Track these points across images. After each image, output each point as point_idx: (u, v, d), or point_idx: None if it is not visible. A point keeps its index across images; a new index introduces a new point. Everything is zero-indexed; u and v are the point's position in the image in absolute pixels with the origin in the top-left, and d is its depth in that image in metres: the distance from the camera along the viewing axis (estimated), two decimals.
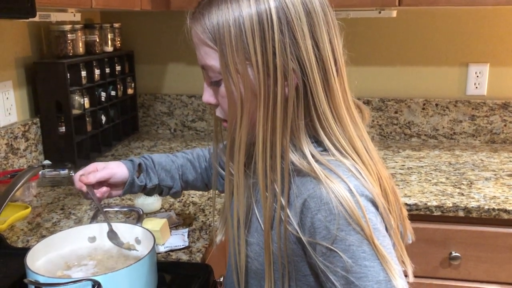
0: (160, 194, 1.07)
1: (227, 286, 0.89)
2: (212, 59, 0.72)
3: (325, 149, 0.70)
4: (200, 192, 1.43)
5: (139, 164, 1.02)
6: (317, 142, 0.71)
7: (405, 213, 0.82)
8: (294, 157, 0.69)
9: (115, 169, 0.99)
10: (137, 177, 1.01)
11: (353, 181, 0.67)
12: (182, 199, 1.38)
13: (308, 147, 0.70)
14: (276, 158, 0.69)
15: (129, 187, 1.00)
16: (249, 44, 0.67)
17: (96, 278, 0.74)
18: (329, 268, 0.66)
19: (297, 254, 0.71)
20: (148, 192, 1.05)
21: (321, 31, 0.68)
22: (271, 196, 0.70)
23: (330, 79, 0.70)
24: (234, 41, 0.67)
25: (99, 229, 0.95)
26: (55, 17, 1.47)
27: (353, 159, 0.70)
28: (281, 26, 0.66)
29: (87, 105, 1.74)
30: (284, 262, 0.71)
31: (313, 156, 0.69)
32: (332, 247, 0.65)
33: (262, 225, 0.73)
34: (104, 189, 0.98)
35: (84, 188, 0.95)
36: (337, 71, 0.71)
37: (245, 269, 0.77)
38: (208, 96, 0.77)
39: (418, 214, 1.34)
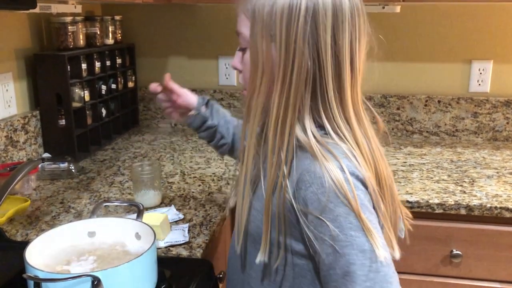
0: (210, 141, 1.16)
1: (230, 255, 0.94)
2: (244, 27, 0.81)
3: (326, 133, 0.77)
4: (201, 187, 1.43)
5: (208, 101, 1.15)
6: (320, 126, 0.78)
7: (403, 210, 0.87)
8: (299, 133, 0.76)
9: (187, 92, 1.14)
10: (205, 111, 1.12)
11: (346, 162, 0.73)
12: (183, 194, 1.37)
13: (310, 127, 0.76)
14: (285, 130, 0.76)
15: (193, 117, 1.13)
16: (276, 24, 0.74)
17: (95, 273, 0.73)
18: (318, 237, 0.72)
19: (290, 221, 0.76)
20: (203, 130, 1.14)
21: (343, 31, 0.75)
22: (276, 162, 0.76)
23: (342, 74, 0.76)
24: (265, 17, 0.75)
25: (99, 223, 0.94)
26: (56, 8, 1.46)
27: (350, 145, 0.76)
28: (306, 15, 0.73)
29: (87, 98, 1.73)
30: (280, 226, 0.77)
31: (314, 136, 0.75)
32: (321, 217, 0.71)
33: (264, 191, 0.78)
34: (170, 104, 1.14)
35: (159, 89, 1.10)
36: (352, 71, 0.77)
37: (244, 234, 0.84)
38: (236, 61, 0.87)
39: (419, 212, 1.34)
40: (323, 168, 0.72)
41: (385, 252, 0.71)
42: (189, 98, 1.14)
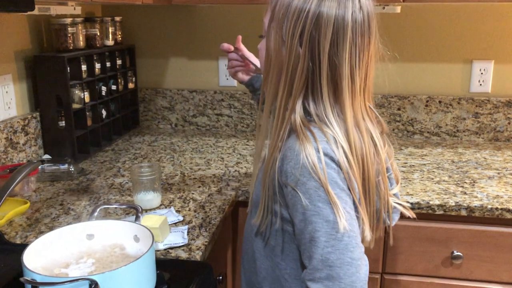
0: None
1: (247, 221, 1.05)
2: (266, 18, 0.92)
3: (312, 120, 0.87)
4: (200, 189, 1.42)
5: None
6: (309, 114, 0.88)
7: (391, 203, 0.97)
8: (293, 117, 0.86)
9: (253, 55, 1.27)
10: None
11: (323, 144, 0.83)
12: (182, 196, 1.37)
13: (300, 113, 0.87)
14: (285, 114, 0.88)
15: (253, 79, 1.29)
16: (286, 25, 0.85)
17: (93, 277, 0.73)
18: (293, 205, 0.84)
19: (278, 191, 0.88)
20: (258, 95, 1.28)
21: (344, 42, 0.83)
22: (275, 139, 0.88)
23: (341, 76, 0.85)
24: (280, 16, 0.86)
25: (98, 226, 0.94)
26: (55, 10, 1.46)
27: (336, 133, 0.84)
28: (311, 21, 0.83)
29: (87, 99, 1.73)
30: (269, 193, 0.90)
31: (301, 120, 0.86)
32: (295, 189, 0.82)
33: (265, 164, 0.91)
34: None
35: (232, 48, 1.24)
36: (351, 78, 0.86)
37: (251, 201, 0.99)
38: (260, 44, 0.99)
39: (420, 213, 1.33)
40: (301, 146, 0.82)
41: (347, 225, 0.80)
42: (255, 60, 1.26)
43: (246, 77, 1.30)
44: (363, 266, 0.81)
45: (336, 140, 0.84)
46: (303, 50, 0.84)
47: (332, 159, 0.82)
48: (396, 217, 1.04)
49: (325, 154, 0.82)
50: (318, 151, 0.82)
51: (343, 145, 0.84)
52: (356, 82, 0.86)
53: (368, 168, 0.87)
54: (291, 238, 0.91)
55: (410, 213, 1.02)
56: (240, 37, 1.26)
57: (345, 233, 0.79)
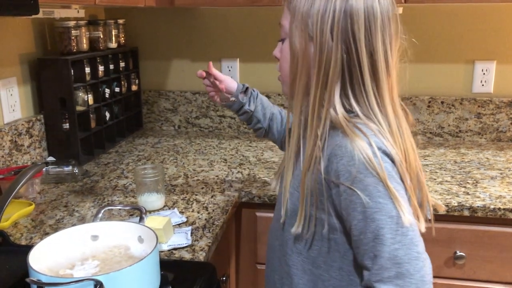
0: (248, 124, 1.28)
1: (271, 235, 1.02)
2: (286, 20, 0.90)
3: (356, 115, 0.85)
4: (204, 190, 1.43)
5: (247, 88, 1.25)
6: (348, 111, 0.85)
7: (428, 193, 0.93)
8: (333, 115, 0.84)
9: (229, 78, 1.26)
10: (242, 97, 1.24)
11: (373, 138, 0.81)
12: (186, 197, 1.38)
13: (340, 111, 0.84)
14: (321, 113, 0.85)
15: (232, 102, 1.24)
16: (313, 23, 0.83)
17: (98, 277, 0.74)
18: (350, 205, 0.80)
19: (322, 194, 0.84)
20: (241, 114, 1.26)
21: (376, 32, 0.82)
22: (313, 140, 0.85)
23: (378, 68, 0.83)
24: (303, 15, 0.84)
25: (102, 227, 0.95)
26: (59, 13, 1.47)
27: (381, 127, 0.83)
28: (340, 15, 0.81)
29: (91, 101, 1.74)
30: (312, 201, 0.85)
31: (344, 117, 0.83)
32: (352, 187, 0.78)
33: (302, 167, 0.87)
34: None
35: (204, 74, 1.23)
36: (387, 68, 0.85)
37: (285, 210, 0.92)
38: (277, 51, 0.97)
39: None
40: (353, 143, 0.79)
41: (411, 218, 0.77)
42: (230, 84, 1.25)
43: (221, 101, 1.26)
44: (427, 259, 0.79)
45: (382, 134, 0.82)
46: (335, 43, 0.82)
47: (385, 153, 0.80)
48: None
49: (379, 148, 0.80)
50: (371, 145, 0.79)
51: (389, 138, 0.82)
52: (391, 70, 0.85)
53: (410, 160, 0.85)
54: (336, 246, 0.87)
55: (441, 207, 1.01)
56: (210, 63, 1.26)
57: (409, 227, 0.77)
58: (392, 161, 0.80)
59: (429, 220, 0.93)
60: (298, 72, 0.87)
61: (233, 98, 1.23)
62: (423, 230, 0.84)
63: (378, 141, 0.81)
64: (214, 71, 1.24)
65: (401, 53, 0.88)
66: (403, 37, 0.88)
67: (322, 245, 0.88)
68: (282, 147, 1.29)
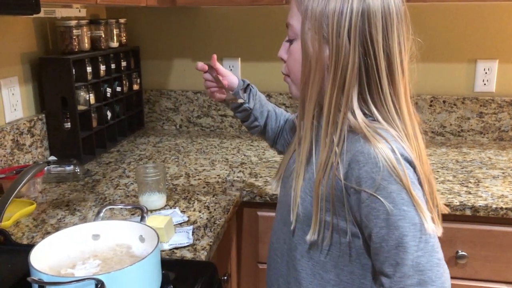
0: (244, 121, 1.23)
1: (275, 237, 1.00)
2: (295, 20, 0.86)
3: (374, 120, 0.83)
4: (205, 189, 1.43)
5: (248, 85, 1.20)
6: (366, 114, 0.83)
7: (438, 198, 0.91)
8: (351, 119, 0.82)
9: (231, 73, 1.19)
10: (242, 94, 1.18)
11: (395, 144, 0.79)
12: (187, 196, 1.38)
13: (359, 115, 0.82)
14: (338, 117, 0.83)
15: (237, 101, 1.18)
16: (328, 24, 0.80)
17: (99, 277, 0.74)
18: (372, 212, 0.78)
19: (339, 200, 0.82)
20: (240, 111, 1.20)
21: (392, 32, 0.81)
22: (329, 146, 0.83)
23: (394, 70, 0.82)
24: (317, 16, 0.81)
25: (103, 226, 0.95)
26: (60, 12, 1.47)
27: (399, 131, 0.82)
28: (357, 17, 0.79)
29: (92, 101, 1.74)
30: (328, 206, 0.84)
31: (364, 122, 0.81)
32: (375, 194, 0.77)
33: (315, 172, 0.85)
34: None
35: (206, 67, 1.15)
36: (402, 68, 0.83)
37: (295, 215, 0.89)
38: (282, 52, 0.93)
39: None
40: (375, 149, 0.78)
41: (433, 225, 0.78)
42: (233, 79, 1.19)
43: (223, 96, 1.19)
44: (446, 265, 0.79)
45: (401, 139, 0.81)
46: (352, 46, 0.80)
47: (407, 159, 0.79)
48: None
49: (401, 155, 0.78)
50: (394, 152, 0.78)
51: (407, 143, 0.81)
52: (405, 70, 0.84)
53: (424, 164, 0.84)
54: (348, 250, 0.86)
55: (445, 209, 0.98)
56: (214, 56, 1.18)
57: (431, 234, 0.77)
58: (413, 167, 0.80)
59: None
60: (311, 75, 0.84)
61: (232, 96, 1.18)
62: (440, 234, 0.83)
63: (400, 147, 0.80)
64: (218, 65, 1.17)
65: (411, 53, 0.87)
66: (411, 37, 0.87)
67: (334, 250, 0.87)
68: (273, 145, 1.27)
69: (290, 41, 0.90)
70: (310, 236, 0.87)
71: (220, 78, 1.16)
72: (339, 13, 0.79)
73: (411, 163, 0.80)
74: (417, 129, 0.87)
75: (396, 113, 0.83)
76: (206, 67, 1.16)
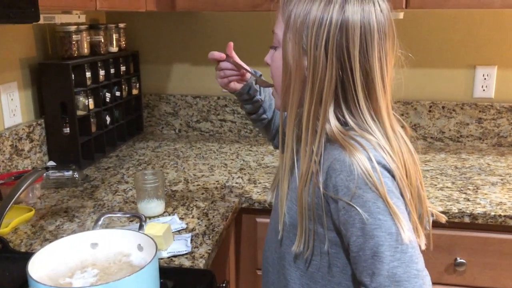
0: (252, 113, 1.22)
1: (267, 245, 1.00)
2: (279, 29, 0.88)
3: (350, 129, 0.83)
4: (204, 196, 1.43)
5: (261, 75, 1.18)
6: (344, 123, 0.84)
7: (430, 206, 0.92)
8: (328, 128, 0.82)
9: (243, 63, 1.16)
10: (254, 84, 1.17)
11: (373, 152, 0.79)
12: (186, 203, 1.38)
13: (335, 124, 0.83)
14: (316, 126, 0.83)
15: (247, 87, 1.17)
16: (307, 35, 0.81)
17: (98, 287, 0.74)
18: (348, 221, 0.77)
19: (321, 208, 0.82)
20: (251, 103, 1.19)
21: (372, 48, 0.81)
22: (309, 153, 0.83)
23: (375, 85, 0.82)
24: (298, 26, 0.82)
25: (102, 235, 0.95)
26: (60, 19, 1.47)
27: (378, 138, 0.81)
28: (336, 30, 0.79)
29: (91, 106, 1.74)
30: (310, 215, 0.83)
31: (340, 130, 0.82)
32: (351, 203, 0.76)
33: (298, 181, 0.85)
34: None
35: (224, 56, 1.12)
36: (382, 81, 0.83)
37: (282, 224, 0.90)
38: (268, 57, 0.95)
39: None
40: (351, 157, 0.77)
41: (411, 235, 0.76)
42: (248, 69, 1.18)
43: (238, 86, 1.18)
44: (427, 276, 0.77)
45: (381, 147, 0.80)
46: (330, 59, 0.80)
47: (385, 167, 0.78)
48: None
49: (378, 163, 0.78)
50: (370, 160, 0.77)
51: (388, 151, 0.80)
52: (387, 87, 0.84)
53: (410, 173, 0.83)
54: (335, 261, 0.85)
55: (443, 218, 0.98)
56: (231, 43, 1.15)
57: (409, 244, 0.75)
58: (392, 175, 0.79)
59: (428, 231, 0.91)
60: (291, 84, 0.85)
61: (262, 80, 1.14)
62: (423, 247, 0.83)
63: (378, 155, 0.79)
64: (233, 53, 1.14)
65: (396, 65, 0.88)
66: (399, 51, 0.87)
67: (321, 260, 0.86)
68: (272, 140, 1.26)
69: (275, 48, 0.91)
70: (295, 248, 0.87)
71: (242, 64, 1.14)
72: (319, 24, 0.80)
73: (390, 171, 0.79)
74: (403, 141, 0.85)
75: (373, 121, 0.83)
76: (224, 56, 1.13)
